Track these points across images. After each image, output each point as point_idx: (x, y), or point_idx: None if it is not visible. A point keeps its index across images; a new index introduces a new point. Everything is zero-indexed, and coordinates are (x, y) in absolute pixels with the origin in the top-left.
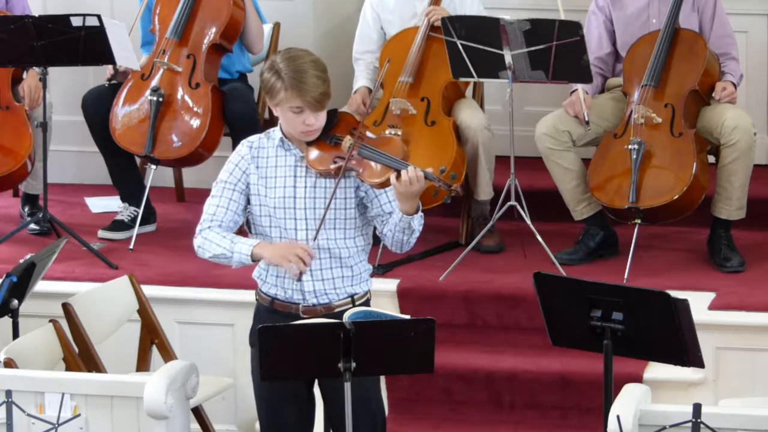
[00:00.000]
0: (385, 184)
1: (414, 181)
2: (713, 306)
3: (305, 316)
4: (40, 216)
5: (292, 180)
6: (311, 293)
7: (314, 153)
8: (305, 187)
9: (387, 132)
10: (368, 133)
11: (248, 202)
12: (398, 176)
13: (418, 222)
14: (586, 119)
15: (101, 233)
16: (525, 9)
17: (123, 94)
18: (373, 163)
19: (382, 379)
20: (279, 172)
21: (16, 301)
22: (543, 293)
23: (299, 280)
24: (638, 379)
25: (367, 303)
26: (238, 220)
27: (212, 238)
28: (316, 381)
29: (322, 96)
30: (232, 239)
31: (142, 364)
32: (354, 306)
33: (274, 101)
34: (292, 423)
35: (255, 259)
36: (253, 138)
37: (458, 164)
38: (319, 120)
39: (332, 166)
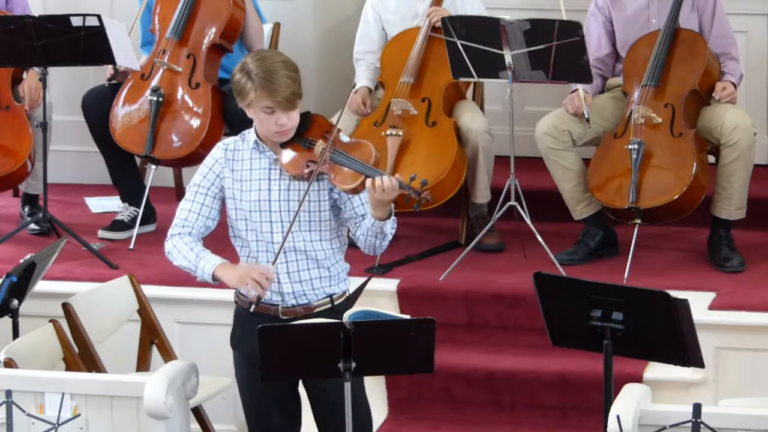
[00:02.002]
0: (356, 190)
1: (387, 188)
2: (713, 306)
3: (285, 317)
4: (40, 216)
5: (266, 183)
6: (290, 294)
7: (287, 156)
8: (279, 189)
9: (388, 132)
10: (342, 137)
11: (224, 205)
12: (372, 183)
13: (390, 227)
14: (586, 116)
15: (101, 233)
16: (525, 9)
17: (123, 94)
18: (344, 168)
19: (381, 380)
20: (254, 175)
21: (16, 301)
22: (543, 293)
23: (257, 304)
24: (638, 379)
25: (347, 302)
26: (211, 225)
27: (180, 248)
28: (300, 381)
29: (292, 95)
30: (198, 254)
31: (142, 364)
32: (333, 306)
33: (244, 102)
34: (278, 423)
35: (215, 280)
36: (229, 140)
37: (458, 165)
38: (291, 120)
39: (305, 170)
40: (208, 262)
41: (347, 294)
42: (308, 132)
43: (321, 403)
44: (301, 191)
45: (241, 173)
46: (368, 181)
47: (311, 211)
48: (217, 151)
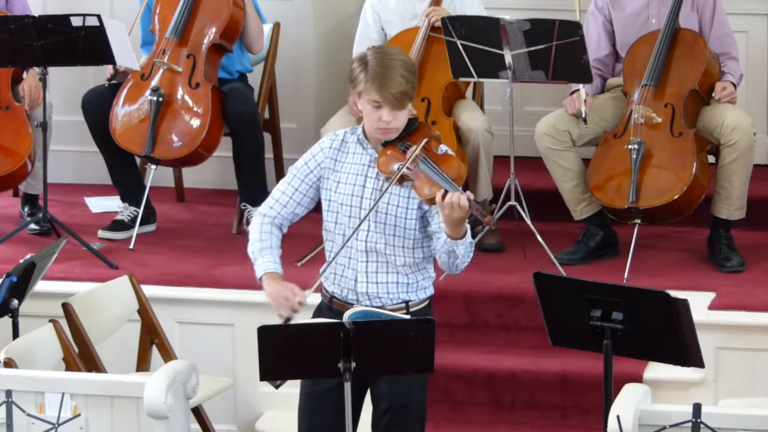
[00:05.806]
0: (432, 201)
1: (455, 204)
2: (713, 306)
3: None
4: (40, 216)
5: (362, 179)
6: (364, 295)
7: (384, 155)
8: (373, 188)
9: None
10: (442, 147)
11: (319, 193)
12: (442, 196)
13: (463, 248)
14: (584, 117)
15: (101, 233)
16: (525, 9)
17: (123, 94)
18: (426, 177)
19: None
20: (352, 169)
21: (16, 301)
22: (543, 293)
23: (286, 323)
24: (638, 379)
25: (425, 309)
26: (300, 213)
27: (254, 233)
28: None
29: (402, 95)
30: (262, 249)
31: (142, 364)
32: (408, 312)
33: (355, 90)
34: (328, 421)
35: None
36: (340, 131)
37: None
38: (396, 119)
39: (393, 172)
40: (262, 266)
41: (429, 301)
42: (411, 137)
43: (382, 402)
44: (392, 194)
45: (342, 165)
46: (438, 195)
47: (398, 216)
48: (325, 140)
